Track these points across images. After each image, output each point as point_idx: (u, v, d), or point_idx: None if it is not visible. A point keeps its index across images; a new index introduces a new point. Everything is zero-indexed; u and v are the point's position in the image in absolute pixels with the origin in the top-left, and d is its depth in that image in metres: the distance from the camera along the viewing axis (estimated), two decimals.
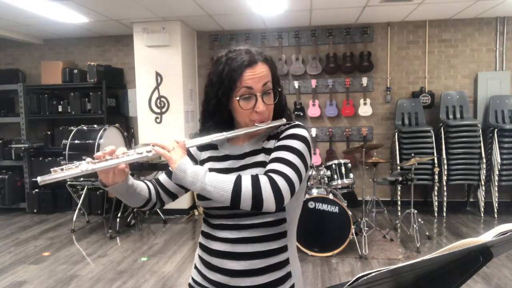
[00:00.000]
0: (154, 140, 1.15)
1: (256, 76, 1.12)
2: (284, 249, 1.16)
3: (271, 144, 1.17)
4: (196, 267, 1.25)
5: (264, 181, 1.02)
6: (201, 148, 1.28)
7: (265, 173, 1.06)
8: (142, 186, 1.22)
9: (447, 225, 4.85)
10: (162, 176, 1.28)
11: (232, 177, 1.04)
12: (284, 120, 1.19)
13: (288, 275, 1.16)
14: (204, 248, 1.21)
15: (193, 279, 1.26)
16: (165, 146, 1.08)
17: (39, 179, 1.07)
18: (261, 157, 1.16)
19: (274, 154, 1.11)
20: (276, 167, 1.06)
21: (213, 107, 1.17)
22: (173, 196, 1.28)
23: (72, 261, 3.88)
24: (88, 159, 1.09)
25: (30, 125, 5.91)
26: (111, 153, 1.10)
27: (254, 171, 1.13)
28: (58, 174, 1.07)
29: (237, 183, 1.02)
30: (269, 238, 1.14)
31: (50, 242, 4.48)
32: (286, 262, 1.16)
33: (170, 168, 1.08)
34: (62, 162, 4.84)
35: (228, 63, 1.12)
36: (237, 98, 1.12)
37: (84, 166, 1.07)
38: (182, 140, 1.11)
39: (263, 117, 1.15)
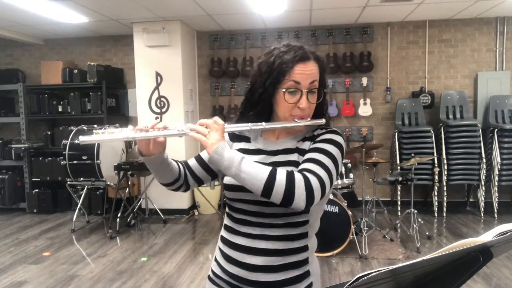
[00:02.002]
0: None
1: (306, 72, 1.13)
2: (304, 248, 1.18)
3: (306, 145, 1.18)
4: (216, 260, 1.27)
5: (299, 178, 1.02)
6: (234, 138, 1.29)
7: (300, 172, 1.06)
8: (174, 164, 1.25)
9: (447, 225, 4.85)
10: (191, 161, 1.31)
11: (268, 167, 1.03)
12: (323, 121, 1.19)
13: (306, 274, 1.18)
14: (225, 241, 1.23)
15: (212, 271, 1.28)
16: (202, 131, 1.08)
17: (80, 138, 1.09)
18: (294, 157, 1.17)
19: (310, 155, 1.11)
20: (311, 167, 1.07)
21: (258, 97, 1.17)
22: (199, 181, 1.31)
23: (72, 261, 3.88)
24: (131, 127, 1.11)
25: (30, 125, 5.91)
26: (153, 126, 1.12)
27: (286, 169, 1.13)
28: (99, 136, 1.08)
29: (272, 174, 1.01)
30: (290, 238, 1.15)
31: (50, 242, 4.48)
32: (305, 262, 1.18)
33: (206, 152, 1.08)
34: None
35: (280, 56, 1.14)
36: (283, 90, 1.13)
37: (126, 133, 1.09)
38: (221, 123, 1.10)
39: (304, 114, 1.15)
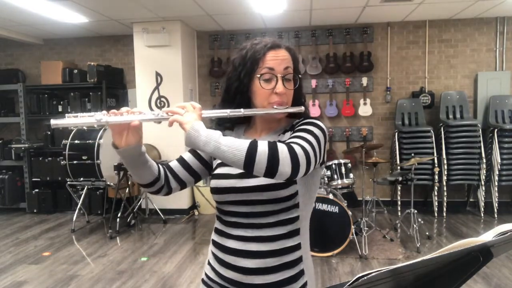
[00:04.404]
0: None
1: (279, 58, 1.15)
2: (297, 247, 1.16)
3: (287, 136, 1.17)
4: (209, 263, 1.25)
5: (281, 145, 1.00)
6: None
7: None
8: (153, 162, 1.21)
9: (447, 225, 4.85)
10: (173, 163, 1.28)
11: (249, 140, 1.01)
12: (302, 108, 1.19)
13: (301, 273, 1.17)
14: (217, 245, 1.21)
15: (206, 275, 1.26)
16: (177, 111, 1.07)
17: (52, 121, 1.04)
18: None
19: (292, 135, 1.11)
20: (293, 140, 1.06)
21: (234, 90, 1.18)
22: (182, 184, 1.27)
23: (72, 261, 3.88)
24: (104, 111, 1.06)
25: (30, 125, 5.91)
26: (127, 111, 1.09)
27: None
28: (71, 120, 1.04)
29: (253, 144, 0.99)
30: (283, 237, 1.14)
31: (50, 242, 4.48)
32: (299, 260, 1.16)
33: (184, 131, 1.04)
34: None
35: (251, 48, 1.16)
36: (258, 76, 1.14)
37: (98, 116, 1.04)
38: (198, 106, 1.09)
39: (282, 100, 1.15)
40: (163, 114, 1.07)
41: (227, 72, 1.22)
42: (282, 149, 0.99)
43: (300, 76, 1.20)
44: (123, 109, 1.10)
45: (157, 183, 1.22)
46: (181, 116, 1.05)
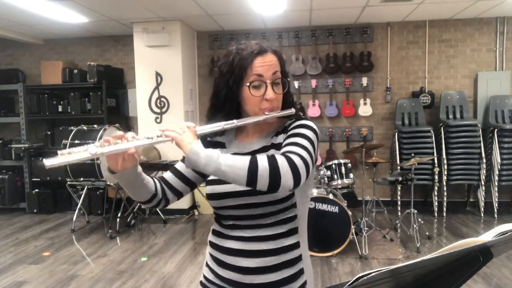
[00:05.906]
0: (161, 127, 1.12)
1: (266, 64, 1.14)
2: (296, 245, 1.17)
3: (280, 139, 1.18)
4: (207, 265, 1.25)
5: (281, 159, 1.01)
6: (209, 146, 1.27)
7: (280, 154, 1.05)
8: (149, 179, 1.20)
9: (447, 225, 4.85)
10: (167, 174, 1.26)
11: (247, 156, 1.02)
12: (293, 110, 1.18)
13: (301, 272, 1.17)
14: (215, 246, 1.21)
15: (204, 277, 1.26)
16: (175, 131, 1.06)
17: (45, 162, 0.99)
18: (271, 153, 1.15)
19: (287, 141, 1.12)
20: (290, 149, 1.07)
21: (224, 97, 1.17)
22: (178, 194, 1.26)
23: (72, 261, 3.88)
24: (97, 143, 1.03)
25: (30, 125, 5.91)
26: (120, 137, 1.05)
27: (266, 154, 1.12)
28: (65, 157, 1.00)
29: (253, 161, 1.00)
30: (282, 236, 1.15)
31: (50, 242, 4.48)
32: (298, 259, 1.17)
33: (182, 152, 1.04)
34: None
35: (238, 53, 1.15)
36: (248, 84, 1.13)
37: (92, 149, 1.01)
38: (192, 125, 1.09)
39: (272, 105, 1.16)
40: (158, 139, 1.06)
41: (214, 78, 1.21)
42: (282, 163, 1.00)
43: (288, 79, 1.20)
44: (117, 133, 1.08)
45: (155, 199, 1.21)
46: (181, 136, 1.04)
